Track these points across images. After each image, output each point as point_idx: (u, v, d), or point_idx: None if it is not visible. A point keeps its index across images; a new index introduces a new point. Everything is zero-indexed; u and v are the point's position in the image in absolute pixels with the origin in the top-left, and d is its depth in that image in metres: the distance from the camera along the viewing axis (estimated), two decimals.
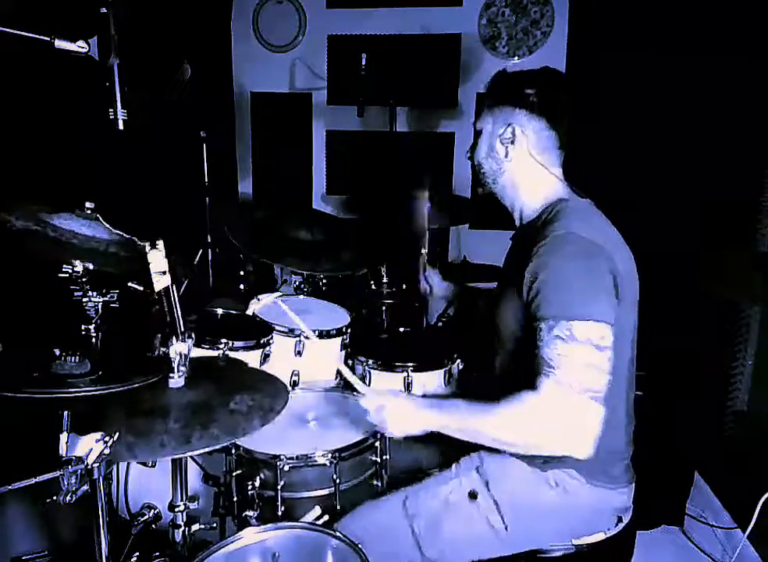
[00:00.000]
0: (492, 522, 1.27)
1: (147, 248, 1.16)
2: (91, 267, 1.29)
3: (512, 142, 1.32)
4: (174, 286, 1.20)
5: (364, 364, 1.91)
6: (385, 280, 2.52)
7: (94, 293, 1.37)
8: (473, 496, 1.30)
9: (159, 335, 1.47)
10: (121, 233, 1.32)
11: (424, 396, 1.83)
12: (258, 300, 2.09)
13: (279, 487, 1.37)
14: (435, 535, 1.28)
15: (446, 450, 1.58)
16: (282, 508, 1.38)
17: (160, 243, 1.17)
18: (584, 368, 1.10)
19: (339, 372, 1.67)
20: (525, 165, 1.33)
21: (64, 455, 0.96)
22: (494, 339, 1.39)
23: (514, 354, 1.32)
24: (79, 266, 1.32)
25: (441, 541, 1.28)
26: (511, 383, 1.31)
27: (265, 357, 1.82)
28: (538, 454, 1.21)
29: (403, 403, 1.29)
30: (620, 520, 1.34)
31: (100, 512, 1.06)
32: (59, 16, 1.68)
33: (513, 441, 1.17)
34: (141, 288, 1.40)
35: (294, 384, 1.88)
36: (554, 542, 1.32)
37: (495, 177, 1.38)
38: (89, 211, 1.38)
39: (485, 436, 1.19)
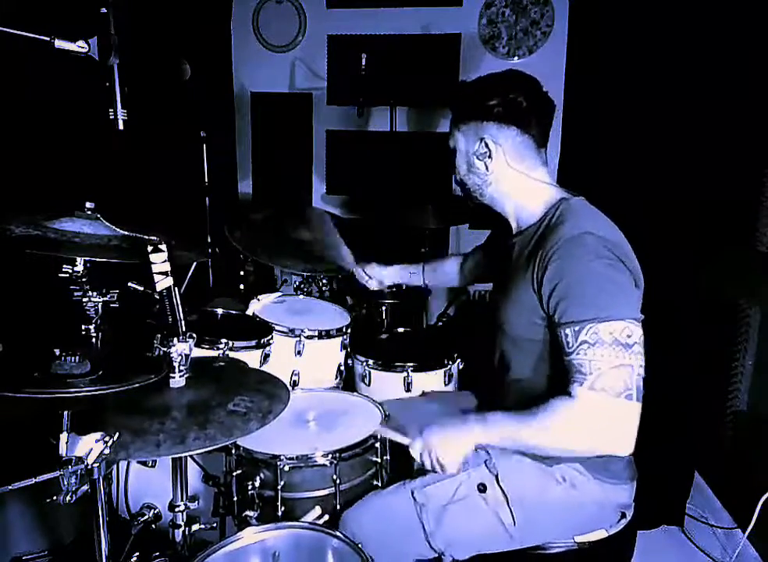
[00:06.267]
0: (502, 516, 1.28)
1: (150, 248, 1.16)
2: (96, 260, 1.29)
3: (489, 156, 1.31)
4: (176, 288, 1.20)
5: (364, 364, 1.91)
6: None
7: (94, 293, 1.37)
8: (482, 488, 1.30)
9: (159, 335, 1.47)
10: (124, 232, 1.32)
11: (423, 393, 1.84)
12: (258, 300, 2.09)
13: (279, 487, 1.37)
14: (444, 526, 1.28)
15: None
16: (282, 508, 1.38)
17: (162, 245, 1.17)
18: (614, 370, 1.10)
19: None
20: (507, 176, 1.33)
21: (64, 455, 0.96)
22: (498, 340, 1.39)
23: (524, 356, 1.32)
24: (79, 266, 1.32)
25: (449, 532, 1.28)
26: (523, 385, 1.33)
27: (265, 357, 1.83)
28: (585, 457, 1.23)
29: (446, 435, 1.26)
30: (623, 516, 1.34)
31: (100, 512, 1.06)
32: (59, 15, 1.68)
33: (559, 448, 1.18)
34: (141, 288, 1.41)
35: (294, 384, 1.88)
36: (559, 538, 1.33)
37: (481, 191, 1.37)
38: (89, 212, 1.38)
39: (533, 446, 1.19)
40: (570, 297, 1.15)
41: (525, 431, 1.17)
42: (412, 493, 1.32)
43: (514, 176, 1.32)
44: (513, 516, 1.28)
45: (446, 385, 1.90)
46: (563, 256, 1.17)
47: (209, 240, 2.96)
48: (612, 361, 1.10)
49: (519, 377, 1.34)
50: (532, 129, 1.31)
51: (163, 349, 1.21)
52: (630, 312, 1.13)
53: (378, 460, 1.49)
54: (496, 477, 1.31)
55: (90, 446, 0.97)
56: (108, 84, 1.09)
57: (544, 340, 1.26)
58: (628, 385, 1.10)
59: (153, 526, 1.54)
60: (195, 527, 1.37)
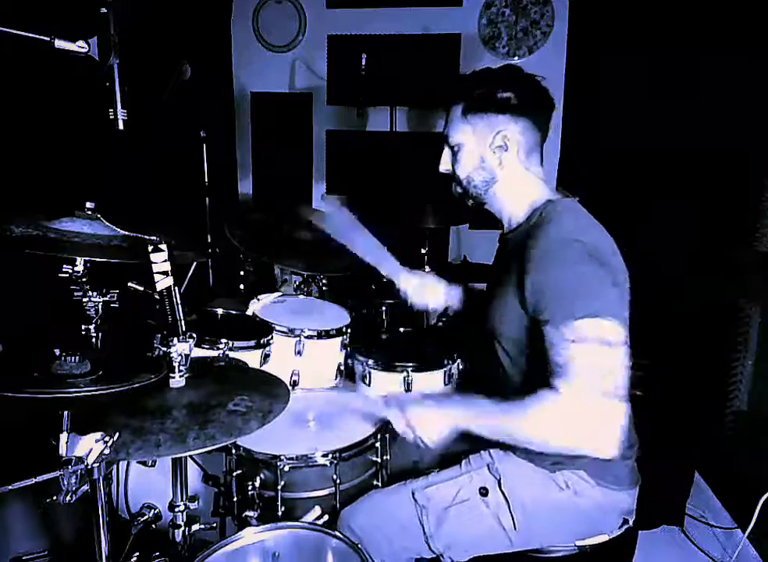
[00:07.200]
0: (502, 520, 1.28)
1: (150, 248, 1.16)
2: (96, 260, 1.29)
3: (505, 149, 1.28)
4: (176, 288, 1.19)
5: (364, 364, 1.91)
6: (385, 280, 2.52)
7: (94, 293, 1.37)
8: (484, 492, 1.30)
9: (159, 335, 1.47)
10: (124, 232, 1.32)
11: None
12: (258, 300, 2.09)
13: (279, 487, 1.37)
14: (444, 528, 1.28)
15: (448, 452, 1.59)
16: (282, 508, 1.38)
17: (162, 245, 1.17)
18: (598, 368, 1.09)
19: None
20: (514, 171, 1.31)
21: (64, 455, 0.96)
22: (494, 340, 1.39)
23: (518, 355, 1.32)
24: (79, 266, 1.32)
25: (449, 534, 1.28)
26: (519, 384, 1.32)
27: (265, 357, 1.82)
28: (567, 454, 1.19)
29: (425, 411, 1.25)
30: (625, 522, 1.34)
31: (100, 512, 1.06)
32: (59, 15, 1.68)
33: (538, 441, 1.16)
34: (141, 288, 1.41)
35: (294, 384, 1.88)
36: (560, 543, 1.33)
37: (486, 188, 1.34)
38: (89, 212, 1.38)
39: (511, 435, 1.17)
40: (554, 297, 1.14)
41: (506, 418, 1.16)
42: (413, 494, 1.31)
43: (520, 173, 1.31)
44: (514, 520, 1.27)
45: (446, 385, 1.90)
46: (544, 257, 1.17)
47: (209, 240, 2.96)
48: (595, 359, 1.09)
49: (514, 374, 1.34)
50: (542, 125, 1.30)
51: (163, 349, 1.21)
52: (612, 311, 1.12)
53: (378, 460, 1.50)
54: (498, 481, 1.30)
55: (90, 446, 0.97)
56: (108, 84, 1.09)
57: (530, 338, 1.25)
58: (611, 385, 1.09)
59: (153, 526, 1.54)
60: (195, 527, 1.37)
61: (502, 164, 1.30)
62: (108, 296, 1.39)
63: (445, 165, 1.39)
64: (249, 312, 2.01)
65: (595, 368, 1.09)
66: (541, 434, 1.14)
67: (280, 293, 2.20)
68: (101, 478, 1.03)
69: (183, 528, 1.34)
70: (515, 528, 1.27)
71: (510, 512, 1.27)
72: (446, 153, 1.38)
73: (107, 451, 0.98)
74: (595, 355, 1.09)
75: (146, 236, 1.20)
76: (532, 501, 1.28)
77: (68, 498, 0.97)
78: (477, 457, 1.37)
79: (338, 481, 1.40)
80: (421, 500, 1.30)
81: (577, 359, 1.09)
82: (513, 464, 1.32)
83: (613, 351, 1.10)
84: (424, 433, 1.23)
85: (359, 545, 1.16)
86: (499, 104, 1.27)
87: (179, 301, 1.20)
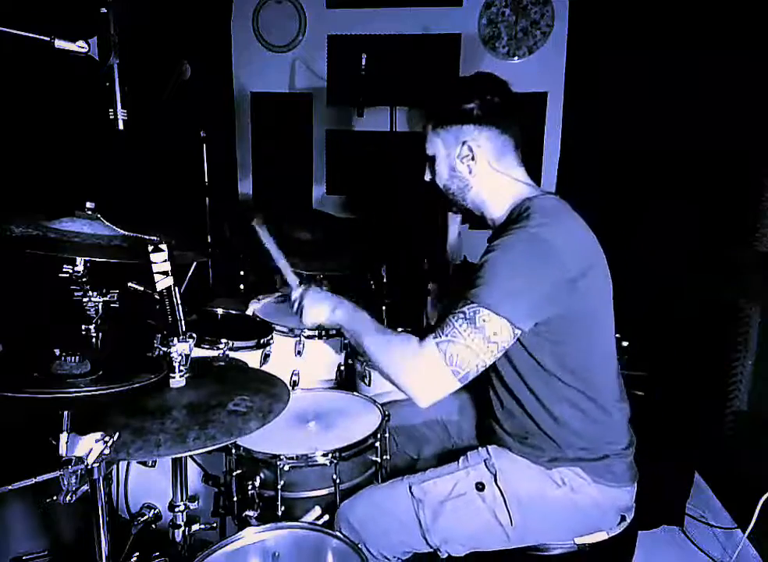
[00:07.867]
0: (499, 516, 1.29)
1: (150, 248, 1.16)
2: (96, 260, 1.29)
3: (472, 158, 1.32)
4: (176, 288, 1.19)
5: (364, 364, 1.91)
6: (385, 280, 2.52)
7: (94, 293, 1.37)
8: (480, 487, 1.31)
9: (159, 335, 1.47)
10: (125, 232, 1.32)
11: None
12: (258, 300, 2.09)
13: (279, 487, 1.37)
14: (440, 522, 1.29)
15: (446, 451, 1.59)
16: (282, 508, 1.38)
17: (162, 245, 1.17)
18: (465, 348, 1.17)
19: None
20: (487, 176, 1.34)
21: (64, 455, 0.96)
22: None
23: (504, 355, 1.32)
24: (80, 266, 1.32)
25: (445, 528, 1.29)
26: (509, 382, 1.33)
27: (265, 357, 1.83)
28: (388, 380, 1.30)
29: (322, 298, 1.44)
30: (623, 519, 1.34)
31: (100, 512, 1.06)
32: (59, 15, 1.68)
33: (381, 364, 1.29)
34: (141, 288, 1.40)
35: (294, 384, 1.88)
36: (558, 540, 1.33)
37: (463, 195, 1.39)
38: (90, 212, 1.38)
39: (366, 350, 1.31)
40: (480, 276, 1.21)
41: (373, 340, 1.30)
42: (410, 488, 1.32)
43: (496, 177, 1.34)
44: (510, 516, 1.28)
45: None
46: (497, 244, 1.22)
47: (209, 240, 2.96)
48: (469, 341, 1.17)
49: (506, 373, 1.35)
50: (510, 129, 1.32)
51: (163, 349, 1.21)
52: (514, 317, 1.17)
53: (378, 459, 1.49)
54: (495, 476, 1.31)
55: (90, 446, 0.97)
56: (108, 84, 1.09)
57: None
58: (463, 366, 1.18)
59: (153, 526, 1.54)
60: (195, 527, 1.37)
61: (472, 172, 1.34)
62: (108, 296, 1.38)
63: (427, 175, 1.45)
64: (249, 312, 2.01)
65: (461, 346, 1.17)
66: (383, 360, 1.28)
67: (280, 293, 2.21)
68: (101, 478, 1.03)
69: (183, 528, 1.34)
70: (511, 524, 1.28)
71: (507, 507, 1.28)
72: (428, 164, 1.43)
73: (107, 451, 0.98)
74: (470, 338, 1.16)
75: (146, 236, 1.20)
76: (528, 497, 1.29)
77: (68, 498, 0.97)
78: (474, 453, 1.38)
79: (338, 480, 1.40)
80: (418, 494, 1.31)
81: (455, 331, 1.18)
82: (510, 460, 1.33)
83: (485, 345, 1.17)
84: (307, 315, 1.43)
85: (359, 546, 1.16)
86: (462, 116, 1.31)
87: (179, 301, 1.20)
